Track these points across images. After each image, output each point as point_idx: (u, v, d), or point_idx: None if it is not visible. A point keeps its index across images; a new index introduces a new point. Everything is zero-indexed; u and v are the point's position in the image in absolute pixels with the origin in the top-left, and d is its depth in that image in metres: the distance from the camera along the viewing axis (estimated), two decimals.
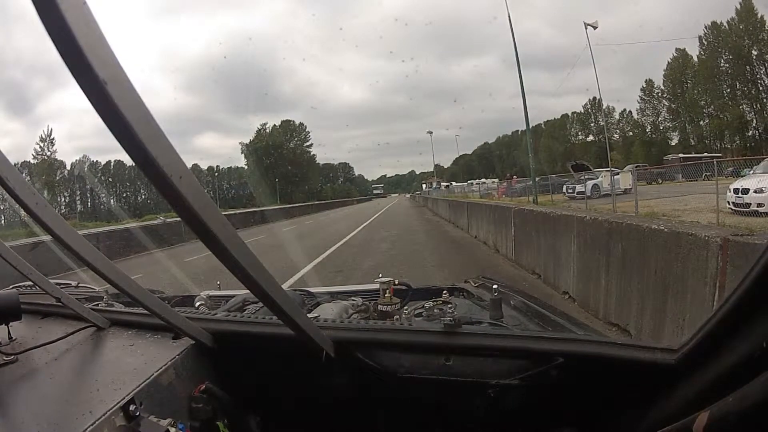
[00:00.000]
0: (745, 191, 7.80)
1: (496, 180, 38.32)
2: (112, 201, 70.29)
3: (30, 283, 1.21)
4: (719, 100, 49.16)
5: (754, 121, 47.48)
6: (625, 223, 4.62)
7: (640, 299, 4.09)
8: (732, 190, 7.98)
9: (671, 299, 3.60)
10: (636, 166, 18.96)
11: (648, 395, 0.71)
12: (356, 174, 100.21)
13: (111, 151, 62.37)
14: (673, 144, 52.51)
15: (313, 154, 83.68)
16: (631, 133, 58.13)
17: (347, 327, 0.97)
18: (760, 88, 46.62)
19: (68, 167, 64.16)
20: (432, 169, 70.14)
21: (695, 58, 50.95)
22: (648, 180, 20.47)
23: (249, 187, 74.71)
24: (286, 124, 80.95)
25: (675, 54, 52.32)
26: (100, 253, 0.84)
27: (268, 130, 78.77)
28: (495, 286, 1.28)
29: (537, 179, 14.89)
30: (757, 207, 7.13)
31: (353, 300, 1.41)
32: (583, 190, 12.65)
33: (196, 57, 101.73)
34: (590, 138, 61.84)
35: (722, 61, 48.53)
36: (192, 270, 7.78)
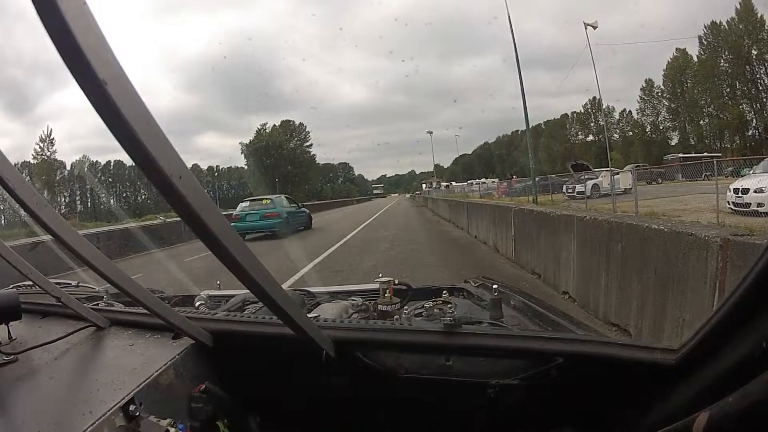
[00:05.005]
0: (745, 191, 7.80)
1: (496, 180, 38.22)
2: (112, 201, 70.27)
3: (30, 282, 1.21)
4: (719, 99, 49.11)
5: (754, 120, 47.47)
6: (625, 223, 4.61)
7: (639, 299, 4.09)
8: (732, 190, 7.98)
9: (671, 299, 3.60)
10: (636, 166, 18.94)
11: (648, 395, 0.71)
12: (356, 174, 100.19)
13: (111, 151, 62.58)
14: (673, 144, 52.51)
15: (313, 154, 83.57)
16: (631, 133, 58.08)
17: (347, 327, 0.97)
18: (760, 88, 46.58)
19: (68, 167, 64.22)
20: (432, 169, 69.97)
21: (695, 58, 50.98)
22: (648, 180, 20.48)
23: (249, 187, 74.59)
24: (286, 124, 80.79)
25: (675, 54, 52.32)
26: (100, 253, 0.84)
27: (268, 130, 78.53)
28: (495, 286, 1.27)
29: (537, 179, 14.88)
30: (757, 207, 7.13)
31: (353, 300, 1.41)
32: (583, 189, 12.65)
33: (196, 57, 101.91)
34: (590, 138, 61.77)
35: (722, 60, 48.48)
36: (192, 270, 7.77)
